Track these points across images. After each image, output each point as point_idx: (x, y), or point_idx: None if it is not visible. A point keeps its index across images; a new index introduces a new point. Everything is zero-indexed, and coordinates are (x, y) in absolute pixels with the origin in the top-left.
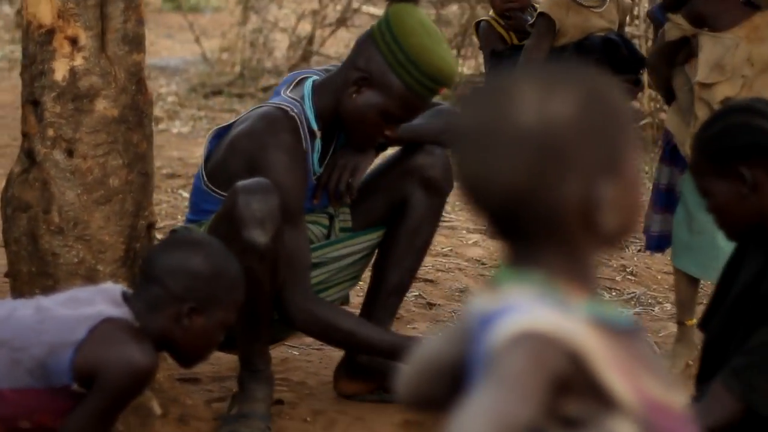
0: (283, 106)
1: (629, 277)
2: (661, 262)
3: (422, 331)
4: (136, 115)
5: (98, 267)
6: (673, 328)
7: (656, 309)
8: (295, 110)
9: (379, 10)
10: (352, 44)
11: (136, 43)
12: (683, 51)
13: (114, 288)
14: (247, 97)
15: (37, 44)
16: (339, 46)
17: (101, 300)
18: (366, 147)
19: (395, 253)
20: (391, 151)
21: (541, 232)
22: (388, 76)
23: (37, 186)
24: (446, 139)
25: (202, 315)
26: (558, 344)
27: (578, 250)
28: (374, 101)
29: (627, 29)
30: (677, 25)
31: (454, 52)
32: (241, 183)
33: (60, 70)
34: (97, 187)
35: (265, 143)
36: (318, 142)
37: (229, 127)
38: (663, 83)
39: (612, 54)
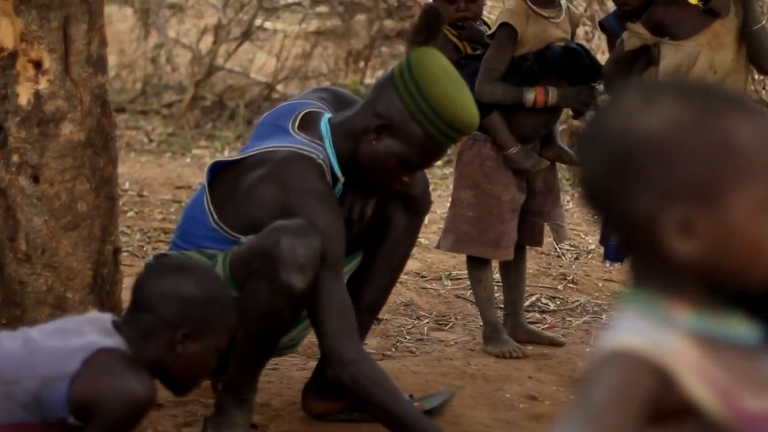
0: (307, 152)
1: (570, 285)
2: (600, 269)
3: (374, 347)
4: (102, 139)
5: (67, 294)
6: None
7: (604, 317)
8: (321, 156)
9: (284, 25)
10: (255, 58)
11: (99, 64)
12: (641, 60)
13: (102, 317)
14: (152, 113)
15: None
16: (242, 60)
17: (91, 329)
18: (382, 192)
19: (371, 272)
20: None
21: (633, 244)
22: (410, 125)
23: (1, 213)
24: None
25: (197, 341)
26: (646, 363)
27: (672, 266)
28: (394, 149)
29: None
30: (636, 34)
31: (362, 63)
32: (283, 224)
33: (24, 94)
34: (64, 212)
35: (299, 194)
36: (339, 186)
37: (231, 163)
38: None
39: (573, 63)
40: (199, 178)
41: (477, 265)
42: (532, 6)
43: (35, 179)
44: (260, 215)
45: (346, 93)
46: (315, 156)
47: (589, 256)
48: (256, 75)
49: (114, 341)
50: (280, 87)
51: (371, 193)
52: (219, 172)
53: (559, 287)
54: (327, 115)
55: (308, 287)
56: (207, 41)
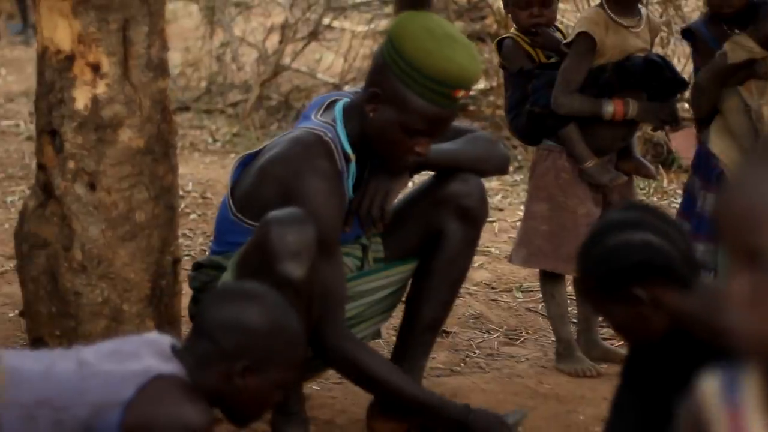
0: (316, 131)
1: None
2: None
3: (441, 361)
4: (162, 146)
5: (123, 306)
6: None
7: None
8: (330, 134)
9: (352, 24)
10: (322, 58)
11: (160, 69)
12: (740, 73)
13: (161, 340)
14: (216, 113)
15: (55, 71)
16: (309, 60)
17: (148, 353)
18: (398, 167)
19: (430, 287)
20: (423, 176)
21: None
22: (397, 88)
23: (56, 221)
24: (482, 166)
25: (257, 374)
26: None
27: None
28: (391, 117)
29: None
30: (743, 47)
31: None
32: (273, 214)
33: (81, 99)
34: (121, 222)
35: (300, 169)
36: (353, 167)
37: (255, 154)
38: (711, 106)
39: (654, 76)
40: None
41: (550, 279)
42: (612, 14)
43: (92, 187)
44: (269, 195)
45: None
46: (323, 133)
47: None
48: (323, 75)
49: (172, 367)
50: (347, 88)
51: (389, 167)
52: (244, 166)
53: None
54: (345, 100)
55: (308, 274)
56: (273, 40)
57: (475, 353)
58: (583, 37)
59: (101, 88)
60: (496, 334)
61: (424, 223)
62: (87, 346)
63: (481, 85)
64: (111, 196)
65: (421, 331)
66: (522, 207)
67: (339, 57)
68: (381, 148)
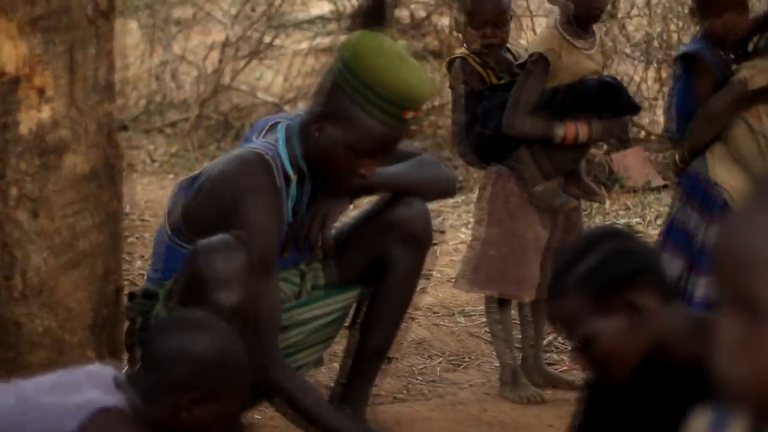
0: (256, 149)
1: None
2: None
3: (384, 388)
4: (107, 171)
5: (65, 336)
6: None
7: None
8: (270, 153)
9: (293, 43)
10: (263, 77)
11: (107, 92)
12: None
13: (104, 371)
14: (155, 132)
15: None
16: (249, 78)
17: (91, 385)
18: (342, 189)
19: (375, 314)
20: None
21: None
22: (345, 106)
23: None
24: (428, 190)
25: (204, 406)
26: None
27: None
28: (337, 136)
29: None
30: (763, 72)
31: None
32: (202, 241)
33: (26, 123)
34: (65, 249)
35: (237, 185)
36: (293, 188)
37: (195, 178)
38: (718, 134)
39: (608, 98)
40: None
41: (496, 305)
42: (566, 36)
43: (35, 214)
44: (206, 214)
45: None
46: (263, 152)
47: None
48: (263, 94)
49: (115, 399)
50: (288, 107)
51: (333, 189)
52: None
53: None
54: (286, 122)
55: (242, 300)
56: (214, 59)
57: (418, 380)
58: (537, 58)
59: (46, 112)
60: (439, 360)
61: (368, 249)
62: (26, 380)
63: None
64: (54, 223)
65: (367, 358)
66: (463, 229)
67: (279, 76)
68: (325, 168)
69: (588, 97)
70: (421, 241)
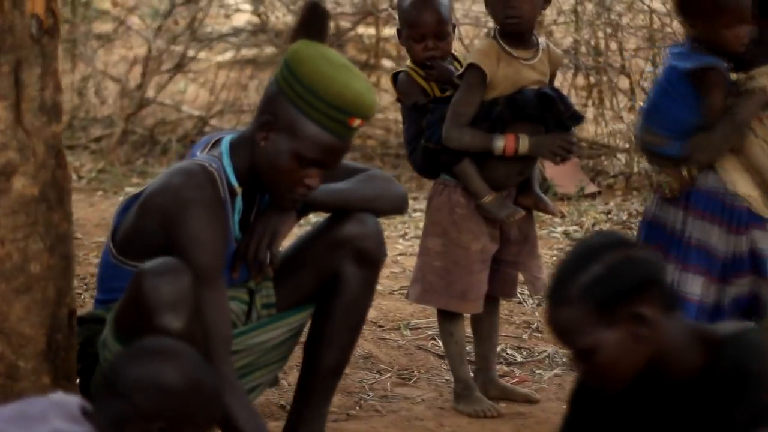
0: (199, 161)
1: (536, 334)
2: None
3: (336, 405)
4: (57, 193)
5: (19, 363)
6: None
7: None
8: (214, 165)
9: (217, 56)
10: (187, 91)
11: (54, 112)
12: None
13: (69, 401)
14: (79, 149)
15: None
16: (174, 92)
17: (55, 415)
18: (287, 201)
19: (329, 332)
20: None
21: None
22: (291, 114)
23: None
24: (377, 206)
25: None
26: None
27: None
28: (283, 145)
29: None
30: None
31: None
32: (146, 265)
33: None
34: (15, 274)
35: (181, 197)
36: (239, 202)
37: (138, 196)
38: (739, 144)
39: (546, 109)
40: None
41: (448, 317)
42: (505, 46)
43: None
44: (149, 229)
45: None
46: (207, 164)
47: None
48: (189, 108)
49: (82, 430)
50: (213, 121)
51: (277, 201)
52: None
53: (524, 336)
54: (230, 136)
55: (187, 324)
56: (137, 73)
57: (369, 395)
58: (473, 69)
59: None
60: (388, 374)
61: (319, 268)
62: None
63: None
64: (5, 247)
65: (322, 376)
66: (401, 240)
67: (205, 89)
68: (270, 179)
69: (525, 108)
70: (374, 257)
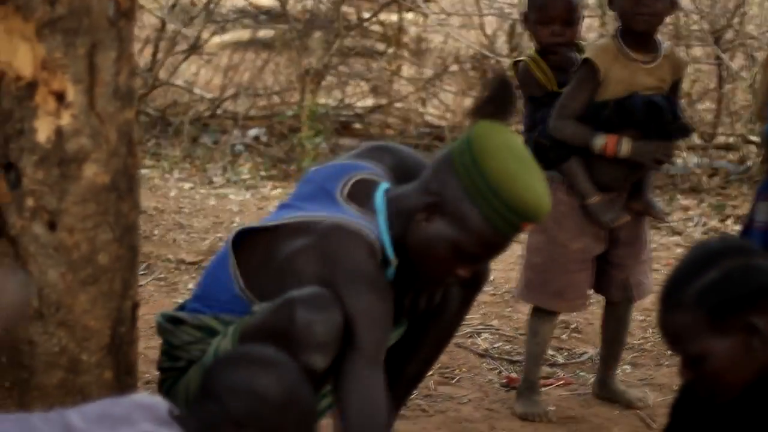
0: (355, 226)
1: (575, 334)
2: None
3: None
4: (127, 182)
5: (82, 356)
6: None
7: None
8: (373, 234)
9: (232, 38)
10: (201, 73)
11: (128, 98)
12: None
13: (155, 403)
14: None
15: (13, 99)
16: (187, 74)
17: (142, 417)
18: (433, 286)
19: (420, 346)
20: None
21: None
22: (464, 204)
23: (8, 263)
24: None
25: None
26: None
27: None
28: (446, 233)
29: None
30: None
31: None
32: (298, 295)
33: (43, 131)
34: (83, 265)
35: (346, 274)
36: (392, 271)
37: (261, 230)
38: None
39: (653, 118)
40: (151, 202)
41: (540, 315)
42: (623, 46)
43: (52, 226)
44: (298, 288)
45: (410, 154)
46: (366, 233)
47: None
48: (202, 90)
49: None
50: (227, 104)
51: (421, 284)
52: (247, 234)
53: (563, 336)
54: (384, 186)
55: (328, 364)
56: (149, 53)
57: (413, 394)
58: (587, 64)
59: (66, 119)
60: (430, 373)
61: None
62: (70, 409)
63: (369, 102)
64: (73, 236)
65: (402, 386)
66: None
67: (219, 72)
68: (423, 262)
69: (634, 115)
70: (479, 279)
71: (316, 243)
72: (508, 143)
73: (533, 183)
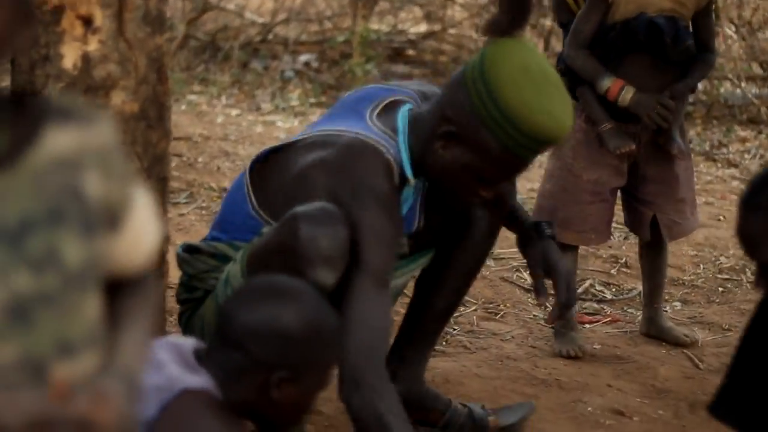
0: (376, 143)
1: (624, 269)
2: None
3: None
4: (157, 110)
5: None
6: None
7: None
8: (391, 152)
9: None
10: None
11: (158, 23)
12: None
13: (182, 343)
14: None
15: (40, 23)
16: None
17: (170, 359)
18: (458, 207)
19: (447, 275)
20: None
21: None
22: (480, 133)
23: None
24: None
25: (295, 383)
26: None
27: None
28: (463, 160)
29: None
30: None
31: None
32: (302, 210)
33: (70, 56)
34: None
35: (356, 189)
36: (408, 192)
37: (281, 148)
38: None
39: (653, 39)
40: (198, 129)
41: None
42: None
43: None
44: (307, 202)
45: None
46: (384, 150)
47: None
48: (253, 15)
49: (199, 380)
50: (278, 29)
51: (448, 201)
52: (270, 154)
53: (612, 271)
54: (408, 106)
55: (337, 282)
56: None
57: (455, 329)
58: None
59: (93, 45)
60: (473, 308)
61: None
62: None
63: (422, 28)
64: None
65: (432, 319)
66: None
67: None
68: (443, 184)
69: (635, 36)
70: (503, 199)
71: (331, 156)
72: (524, 64)
73: (551, 106)
